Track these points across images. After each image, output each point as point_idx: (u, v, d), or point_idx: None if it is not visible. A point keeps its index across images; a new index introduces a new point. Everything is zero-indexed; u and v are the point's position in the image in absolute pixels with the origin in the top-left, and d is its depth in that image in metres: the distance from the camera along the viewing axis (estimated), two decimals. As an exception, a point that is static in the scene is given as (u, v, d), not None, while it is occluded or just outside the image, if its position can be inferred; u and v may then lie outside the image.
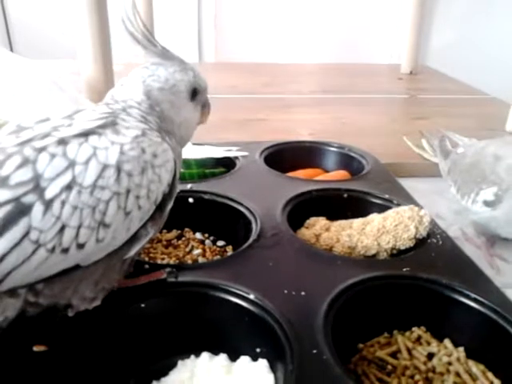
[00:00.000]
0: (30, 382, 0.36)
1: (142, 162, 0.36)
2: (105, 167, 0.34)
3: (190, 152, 0.71)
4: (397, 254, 0.54)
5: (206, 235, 0.61)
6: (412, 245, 0.54)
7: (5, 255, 0.31)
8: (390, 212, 0.56)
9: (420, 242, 0.54)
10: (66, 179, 0.33)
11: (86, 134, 0.35)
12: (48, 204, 0.32)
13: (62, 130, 0.35)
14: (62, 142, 0.34)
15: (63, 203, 0.32)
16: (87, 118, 0.37)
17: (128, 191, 0.35)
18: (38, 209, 0.31)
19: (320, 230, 0.56)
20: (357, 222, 0.56)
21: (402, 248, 0.54)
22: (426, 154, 0.77)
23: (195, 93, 0.44)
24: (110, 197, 0.34)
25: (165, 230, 0.61)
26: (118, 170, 0.34)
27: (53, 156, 0.33)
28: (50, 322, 0.38)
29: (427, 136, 0.77)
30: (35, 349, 0.37)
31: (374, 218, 0.56)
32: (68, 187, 0.32)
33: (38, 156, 0.33)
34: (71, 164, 0.33)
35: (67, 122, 0.36)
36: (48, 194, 0.32)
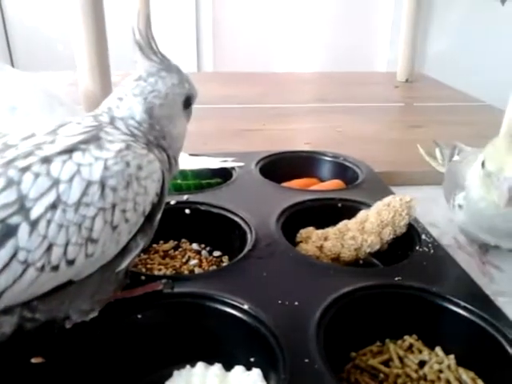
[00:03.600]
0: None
1: (126, 176, 0.36)
2: (89, 184, 0.34)
3: (187, 163, 0.72)
4: (390, 262, 0.55)
5: (203, 246, 0.62)
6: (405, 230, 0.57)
7: None
8: (379, 206, 0.57)
9: (411, 251, 0.55)
10: (50, 198, 0.33)
11: (69, 151, 0.35)
12: (34, 224, 0.32)
13: (45, 147, 0.35)
14: (46, 160, 0.34)
15: (49, 222, 0.32)
16: (70, 133, 0.37)
17: (114, 206, 0.35)
18: (24, 229, 0.32)
19: (319, 240, 0.57)
20: (352, 224, 0.57)
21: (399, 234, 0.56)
22: (435, 162, 0.78)
23: (189, 103, 0.45)
24: (95, 213, 0.34)
25: (162, 241, 0.62)
26: (103, 185, 0.35)
27: (37, 175, 0.33)
28: (47, 334, 0.39)
29: (441, 145, 0.78)
30: (33, 361, 0.38)
31: (368, 215, 0.57)
32: (53, 206, 0.33)
33: (22, 176, 0.33)
34: (55, 182, 0.33)
35: (50, 138, 0.36)
36: (33, 214, 0.32)
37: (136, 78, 0.42)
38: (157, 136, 0.42)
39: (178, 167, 0.46)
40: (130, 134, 0.40)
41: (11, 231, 0.32)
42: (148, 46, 0.42)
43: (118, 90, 0.43)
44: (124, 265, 0.39)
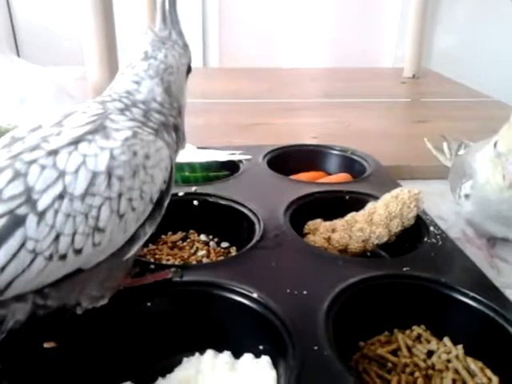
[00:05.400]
0: (40, 377, 0.37)
1: (133, 166, 0.36)
2: (95, 174, 0.34)
3: (195, 156, 0.73)
4: (397, 254, 0.55)
5: (211, 237, 0.62)
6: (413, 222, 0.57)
7: (4, 266, 0.31)
8: (387, 198, 0.58)
9: (420, 243, 0.55)
10: (57, 190, 0.33)
11: (75, 142, 0.35)
12: (41, 214, 0.32)
13: (52, 139, 0.35)
14: (52, 152, 0.34)
15: (56, 212, 0.33)
16: (76, 124, 0.37)
17: (120, 195, 0.35)
18: (31, 220, 0.32)
19: (327, 232, 0.57)
20: (360, 216, 0.57)
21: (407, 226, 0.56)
22: (443, 157, 0.78)
23: (189, 69, 0.45)
24: (101, 202, 0.34)
25: (170, 232, 0.62)
26: (109, 175, 0.35)
27: (43, 168, 0.33)
28: (59, 319, 0.39)
29: (449, 140, 0.78)
30: (45, 345, 0.38)
31: (376, 207, 0.57)
32: (59, 197, 0.33)
33: (29, 169, 0.33)
34: (61, 174, 0.33)
35: (56, 130, 0.36)
36: (40, 206, 0.32)
37: (143, 57, 0.42)
38: (175, 115, 0.42)
39: (186, 140, 0.46)
40: (139, 120, 0.40)
41: (19, 221, 0.32)
42: (172, 1, 0.42)
43: (127, 71, 0.42)
44: (132, 252, 0.39)
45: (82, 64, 0.89)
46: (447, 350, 0.44)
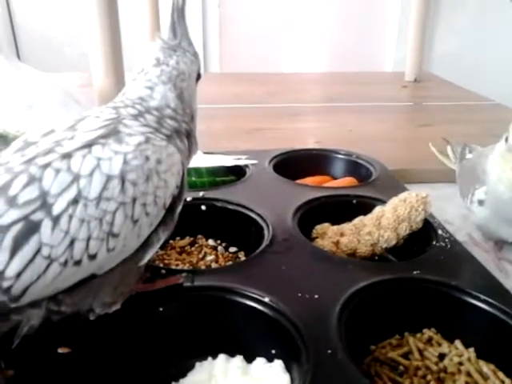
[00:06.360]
0: (54, 382, 0.37)
1: (146, 170, 0.36)
2: (109, 178, 0.34)
3: (201, 161, 0.73)
4: (405, 258, 0.55)
5: (219, 242, 0.62)
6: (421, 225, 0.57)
7: (20, 273, 0.31)
8: (395, 202, 0.58)
9: (428, 246, 0.55)
10: (71, 194, 0.33)
11: (89, 145, 0.35)
12: (56, 220, 0.32)
13: (65, 143, 0.35)
14: (66, 155, 0.34)
15: (70, 217, 0.32)
16: (89, 128, 0.37)
17: (134, 200, 0.35)
18: (46, 225, 0.32)
19: (335, 236, 0.57)
20: (368, 219, 0.58)
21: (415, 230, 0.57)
22: (448, 161, 0.78)
23: (199, 76, 0.46)
24: (116, 207, 0.34)
25: (178, 237, 0.62)
26: (122, 180, 0.35)
27: (57, 171, 0.33)
28: (73, 325, 0.39)
29: (452, 143, 0.78)
30: (60, 350, 0.39)
31: (384, 211, 0.58)
32: (74, 201, 0.33)
33: (44, 173, 0.33)
34: (76, 178, 0.33)
35: (70, 134, 0.36)
36: (55, 210, 0.32)
37: (155, 63, 0.42)
38: (187, 120, 0.43)
39: (197, 146, 0.46)
40: (152, 126, 0.40)
41: (34, 227, 0.32)
42: (181, 12, 0.43)
43: (139, 77, 0.42)
44: (146, 258, 0.39)
45: (83, 71, 0.90)
46: (459, 353, 0.44)
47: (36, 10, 1.94)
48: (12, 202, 0.32)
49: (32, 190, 0.33)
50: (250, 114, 1.24)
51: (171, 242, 0.61)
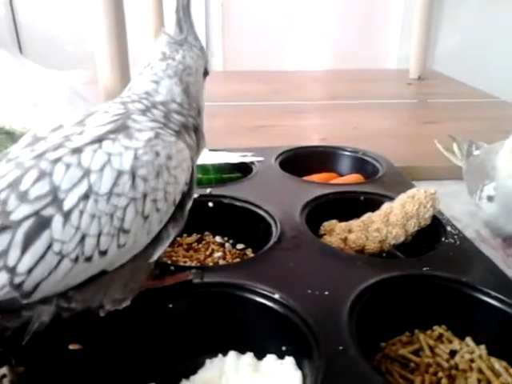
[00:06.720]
0: (65, 378, 0.37)
1: (156, 166, 0.36)
2: (119, 174, 0.34)
3: (207, 157, 0.73)
4: (413, 254, 0.55)
5: (226, 238, 0.62)
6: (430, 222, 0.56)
7: (31, 269, 0.31)
8: (403, 198, 0.57)
9: (437, 243, 0.55)
10: (82, 189, 0.33)
11: (99, 140, 0.35)
12: (67, 215, 0.32)
13: (75, 138, 0.35)
14: (77, 150, 0.34)
15: (81, 213, 0.32)
16: (98, 123, 0.37)
17: (145, 196, 0.35)
18: (58, 221, 0.32)
19: (343, 232, 0.57)
20: (376, 216, 0.57)
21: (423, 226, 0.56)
22: (454, 157, 0.78)
23: (207, 71, 0.46)
24: (127, 203, 0.34)
25: (185, 234, 0.62)
26: (133, 175, 0.34)
27: (68, 166, 0.33)
28: (83, 322, 0.39)
29: (458, 140, 0.78)
30: (71, 347, 0.38)
31: (392, 207, 0.57)
32: (85, 196, 0.33)
33: (54, 168, 0.33)
34: (86, 173, 0.33)
35: (79, 129, 0.36)
36: (66, 205, 0.32)
37: (161, 58, 0.42)
38: (194, 115, 0.42)
39: (205, 141, 0.46)
40: (160, 121, 0.40)
41: (46, 223, 0.32)
42: (187, 8, 0.43)
43: (145, 71, 0.42)
44: (156, 255, 0.39)
45: (87, 68, 0.89)
46: (470, 350, 0.44)
47: (39, 8, 1.94)
48: (23, 198, 0.32)
49: (43, 185, 0.32)
50: (253, 111, 1.24)
51: (178, 239, 0.61)
